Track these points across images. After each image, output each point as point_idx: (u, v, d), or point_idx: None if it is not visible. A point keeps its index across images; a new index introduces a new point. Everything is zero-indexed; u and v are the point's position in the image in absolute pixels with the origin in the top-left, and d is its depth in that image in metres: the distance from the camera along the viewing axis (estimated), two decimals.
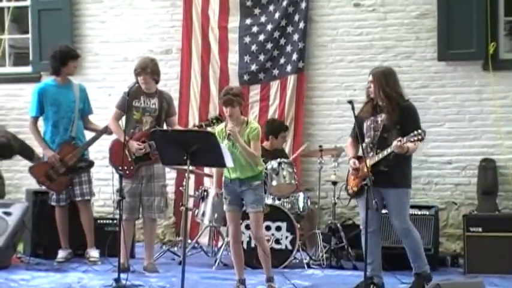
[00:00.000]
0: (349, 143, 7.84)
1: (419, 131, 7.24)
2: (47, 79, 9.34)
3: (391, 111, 7.41)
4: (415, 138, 7.21)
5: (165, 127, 8.49)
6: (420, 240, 7.61)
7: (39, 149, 9.25)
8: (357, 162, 7.57)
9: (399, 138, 7.21)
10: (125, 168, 8.28)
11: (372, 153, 7.45)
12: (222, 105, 7.33)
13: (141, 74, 8.40)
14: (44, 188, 9.19)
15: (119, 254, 7.72)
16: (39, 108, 9.11)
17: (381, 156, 7.33)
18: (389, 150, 7.27)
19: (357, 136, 7.61)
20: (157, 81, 8.55)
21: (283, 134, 9.83)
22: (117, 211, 8.54)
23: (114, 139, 8.65)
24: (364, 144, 7.49)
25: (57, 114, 9.04)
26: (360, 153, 7.58)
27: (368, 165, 7.31)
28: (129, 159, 8.34)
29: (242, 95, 7.35)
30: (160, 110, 8.51)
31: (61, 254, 9.04)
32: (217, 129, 7.49)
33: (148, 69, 8.41)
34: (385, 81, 7.50)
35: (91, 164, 9.13)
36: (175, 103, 9.76)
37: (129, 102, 8.21)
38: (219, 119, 8.11)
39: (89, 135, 9.15)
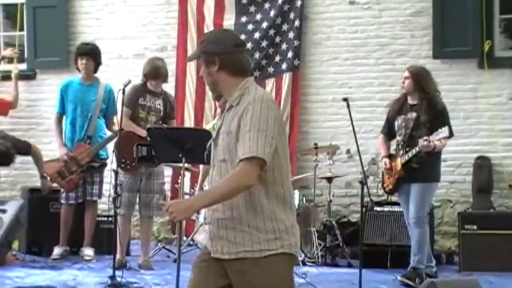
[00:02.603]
0: (381, 139, 8.15)
1: (444, 128, 7.38)
2: (75, 76, 9.35)
3: (423, 110, 7.59)
4: (441, 136, 7.36)
5: None
6: (428, 237, 7.78)
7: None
8: (387, 161, 7.87)
9: (425, 138, 7.41)
10: (127, 162, 8.30)
11: (401, 151, 7.71)
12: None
13: (158, 79, 8.42)
14: (40, 185, 9.19)
15: (114, 252, 7.70)
16: (61, 104, 9.18)
17: (410, 155, 7.65)
18: (417, 149, 7.52)
19: (388, 132, 7.96)
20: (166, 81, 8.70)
21: None
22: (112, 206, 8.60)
23: (126, 131, 8.50)
24: (396, 142, 7.89)
25: (75, 112, 9.07)
26: (392, 151, 8.00)
27: (399, 164, 7.68)
28: (134, 155, 8.33)
29: None
30: (164, 111, 8.55)
31: (56, 250, 9.03)
32: (208, 125, 7.49)
33: (166, 78, 8.53)
34: (422, 77, 7.71)
35: (104, 164, 9.09)
36: None
37: (134, 100, 8.25)
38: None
39: None
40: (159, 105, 8.52)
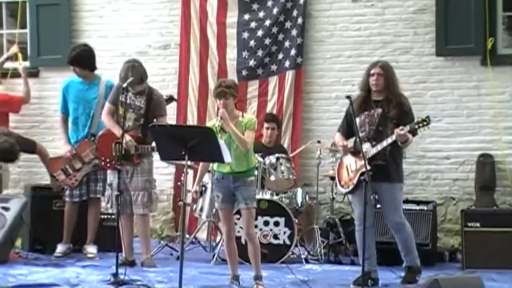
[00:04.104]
0: (337, 136, 7.84)
1: (424, 117, 7.29)
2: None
3: (391, 105, 7.45)
4: (421, 125, 7.26)
5: None
6: (412, 234, 7.65)
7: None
8: (343, 140, 7.64)
9: (401, 127, 7.23)
10: (107, 160, 8.33)
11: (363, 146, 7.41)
12: (215, 98, 7.27)
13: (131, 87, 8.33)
14: (43, 183, 9.19)
15: (117, 249, 7.68)
16: (63, 104, 9.23)
17: (379, 147, 7.36)
18: (389, 140, 7.31)
19: (347, 131, 7.71)
20: (142, 78, 8.45)
21: (266, 125, 9.85)
22: (108, 205, 8.61)
23: (103, 131, 8.62)
24: (358, 139, 7.53)
25: (77, 111, 9.12)
26: (353, 148, 7.69)
27: (365, 158, 7.33)
28: (113, 153, 8.33)
29: (235, 87, 7.28)
30: (146, 109, 8.43)
31: (60, 248, 9.04)
32: (209, 123, 7.45)
33: (133, 67, 8.35)
34: (392, 75, 7.59)
35: None
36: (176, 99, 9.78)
37: (116, 97, 8.28)
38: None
39: None
40: (140, 102, 8.43)
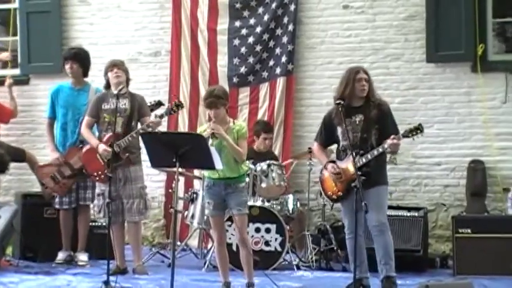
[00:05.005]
0: (317, 147, 7.77)
1: (417, 124, 7.27)
2: (66, 81, 9.36)
3: (371, 107, 7.40)
4: (414, 133, 7.23)
5: (139, 126, 8.44)
6: (392, 241, 7.46)
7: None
8: (335, 166, 7.51)
9: (392, 136, 7.19)
10: (99, 173, 8.32)
11: (350, 155, 7.33)
12: (206, 107, 7.25)
13: (113, 68, 8.37)
14: (34, 191, 9.17)
15: (108, 257, 7.66)
16: (51, 109, 9.21)
17: (369, 157, 7.27)
18: (380, 149, 7.25)
19: (326, 141, 7.67)
20: (128, 81, 8.52)
21: (264, 136, 9.82)
22: (99, 215, 8.57)
23: (86, 147, 8.63)
24: (341, 147, 7.50)
25: (66, 116, 9.10)
26: (333, 157, 7.68)
27: (352, 167, 7.26)
28: (102, 163, 8.33)
29: (225, 95, 7.24)
30: (131, 110, 8.43)
31: (60, 255, 9.04)
32: (199, 130, 7.44)
33: (122, 65, 8.46)
34: (371, 78, 7.57)
35: None
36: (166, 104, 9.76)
37: (98, 107, 8.30)
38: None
39: None
40: (125, 104, 8.40)
